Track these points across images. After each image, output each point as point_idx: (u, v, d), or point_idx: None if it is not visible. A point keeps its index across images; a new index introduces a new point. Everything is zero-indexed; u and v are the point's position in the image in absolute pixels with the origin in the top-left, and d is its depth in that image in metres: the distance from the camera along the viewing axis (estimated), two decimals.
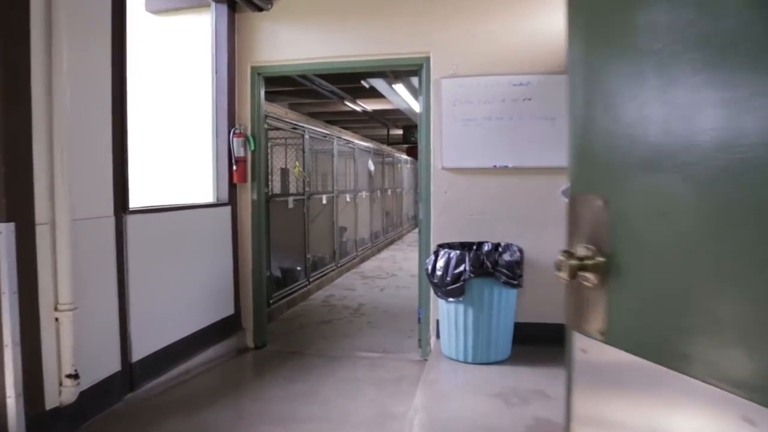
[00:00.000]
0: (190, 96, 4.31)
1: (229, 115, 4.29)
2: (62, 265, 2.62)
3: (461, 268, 3.52)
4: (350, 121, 14.15)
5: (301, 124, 7.10)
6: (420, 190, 4.41)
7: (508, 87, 4.03)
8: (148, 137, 4.20)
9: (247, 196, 4.48)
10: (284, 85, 8.81)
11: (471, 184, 4.09)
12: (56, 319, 2.62)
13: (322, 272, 7.67)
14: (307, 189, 7.23)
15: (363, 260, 9.87)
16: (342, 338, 4.86)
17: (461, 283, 3.51)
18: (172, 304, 3.57)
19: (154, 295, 3.37)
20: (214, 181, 4.31)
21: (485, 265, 3.50)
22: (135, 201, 3.42)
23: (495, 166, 4.04)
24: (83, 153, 2.79)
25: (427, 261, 3.76)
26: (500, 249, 3.84)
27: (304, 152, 7.18)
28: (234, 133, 4.29)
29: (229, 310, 4.32)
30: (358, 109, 11.19)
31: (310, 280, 7.21)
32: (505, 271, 3.52)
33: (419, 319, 4.43)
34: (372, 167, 11.05)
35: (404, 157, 16.35)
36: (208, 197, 4.29)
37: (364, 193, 10.45)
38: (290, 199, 6.65)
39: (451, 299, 3.58)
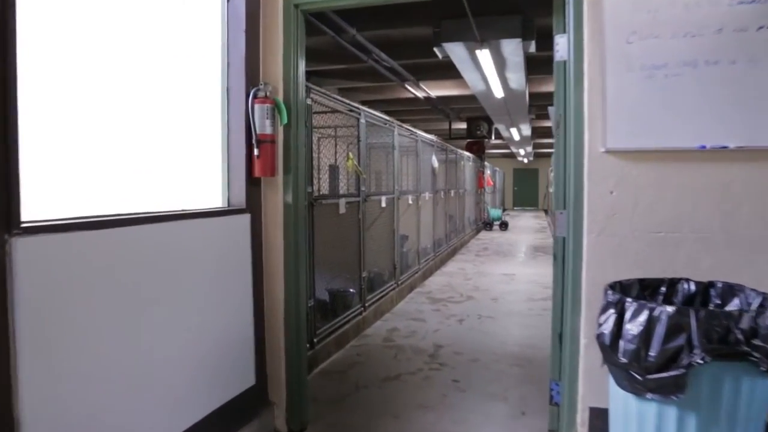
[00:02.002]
0: (187, 43, 2.72)
1: (247, 68, 2.70)
2: None
3: (679, 340, 1.78)
4: (408, 111, 12.51)
5: (357, 106, 5.49)
6: (555, 189, 2.70)
7: (729, 5, 2.27)
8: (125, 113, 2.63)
9: (276, 198, 2.87)
10: (334, 62, 7.23)
11: (658, 178, 2.35)
12: None
13: (380, 293, 6.04)
14: (363, 189, 5.61)
15: (426, 275, 8.19)
16: (419, 413, 3.20)
17: (681, 370, 1.77)
18: (131, 392, 1.97)
19: (86, 380, 1.78)
20: (223, 174, 2.72)
21: (732, 338, 1.75)
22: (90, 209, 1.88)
23: (704, 147, 2.29)
24: None
25: (602, 320, 2.03)
26: (746, 302, 2.06)
27: (359, 141, 5.56)
28: (256, 96, 2.69)
29: (248, 381, 2.72)
30: (419, 95, 9.52)
31: (366, 305, 5.59)
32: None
33: (552, 397, 2.73)
34: (436, 164, 9.36)
35: (466, 153, 14.56)
36: (215, 200, 2.70)
37: (427, 194, 8.78)
38: (342, 201, 5.04)
39: (654, 396, 1.85)
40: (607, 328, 1.99)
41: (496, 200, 22.49)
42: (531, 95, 9.24)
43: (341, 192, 5.61)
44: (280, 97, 2.80)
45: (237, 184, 2.72)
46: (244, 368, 2.68)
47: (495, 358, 4.23)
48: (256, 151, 2.68)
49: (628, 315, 1.93)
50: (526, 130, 14.03)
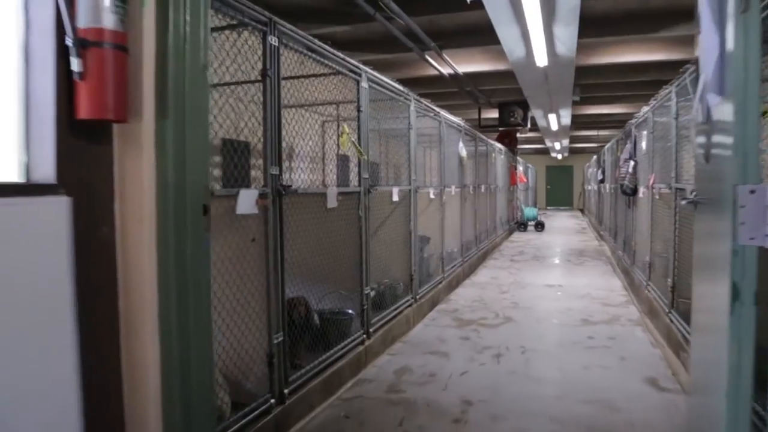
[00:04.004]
0: None
1: None
2: None
3: None
4: (431, 95, 11.00)
5: (356, 64, 4.04)
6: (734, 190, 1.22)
7: None
8: None
9: (142, 170, 1.43)
10: (334, 23, 5.79)
11: None
12: None
13: (392, 313, 4.59)
14: (365, 176, 4.18)
15: (452, 286, 6.70)
16: None
17: None
18: None
19: None
20: (18, 117, 1.29)
21: None
22: None
23: None
24: None
25: None
26: None
27: (360, 111, 4.12)
28: None
29: None
30: (444, 71, 8.02)
31: (371, 330, 4.15)
32: None
33: None
34: (464, 152, 7.86)
35: (498, 145, 12.98)
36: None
37: (453, 189, 7.28)
38: (331, 191, 3.61)
39: None
40: None
41: (529, 199, 20.79)
42: (577, 70, 7.65)
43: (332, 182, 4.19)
44: None
45: (41, 137, 1.30)
46: None
47: (556, 430, 2.75)
48: (75, 64, 1.25)
49: None
50: (566, 118, 12.38)
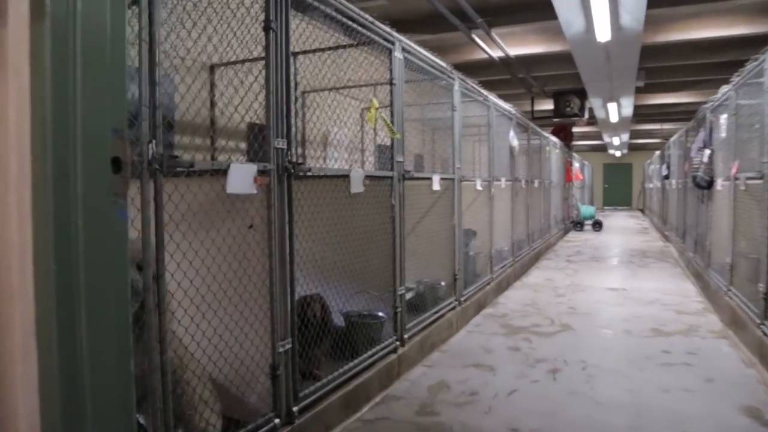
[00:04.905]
0: None
1: None
2: None
3: None
4: (480, 84, 10.34)
5: (387, 30, 3.51)
6: None
7: None
8: None
9: (6, 97, 0.93)
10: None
11: None
12: None
13: (431, 317, 4.04)
14: (399, 160, 3.64)
15: (502, 287, 6.07)
16: None
17: None
18: None
19: None
20: None
21: None
22: None
23: None
24: None
25: None
26: None
27: (393, 85, 3.59)
28: None
29: None
30: (494, 54, 7.38)
31: (405, 336, 3.61)
32: None
33: None
34: (515, 142, 7.19)
35: (552, 138, 12.16)
36: None
37: (503, 182, 6.64)
38: (355, 174, 3.08)
39: None
40: None
41: (585, 197, 19.70)
42: (642, 50, 6.84)
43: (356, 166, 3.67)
44: None
45: None
46: None
47: None
48: None
49: None
50: (628, 108, 11.44)
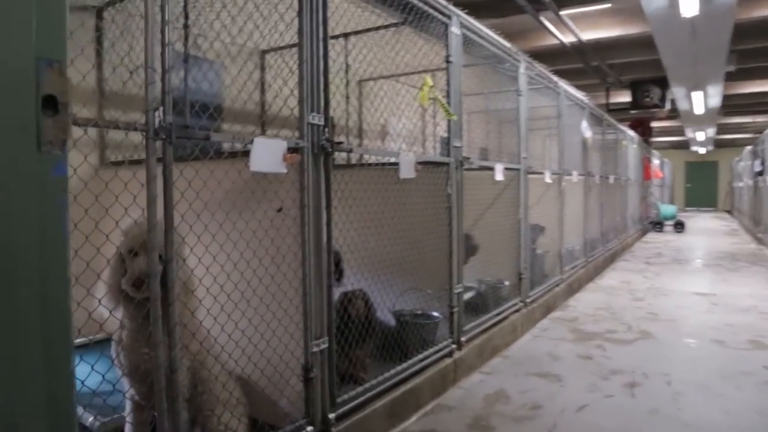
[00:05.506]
0: None
1: None
2: None
3: None
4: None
5: (442, 2, 3.18)
6: None
7: None
8: None
9: None
10: None
11: None
12: None
13: (492, 318, 3.69)
14: (455, 146, 3.31)
15: (573, 289, 5.60)
16: None
17: None
18: None
19: None
20: None
21: None
22: None
23: None
24: None
25: None
26: None
27: (449, 62, 3.27)
28: None
29: None
30: (564, 40, 6.88)
31: (462, 339, 3.29)
32: None
33: None
34: (588, 133, 6.67)
35: (629, 132, 11.37)
36: None
37: (575, 175, 6.14)
38: (406, 158, 2.79)
39: None
40: None
41: (665, 197, 18.46)
42: (736, 27, 6.14)
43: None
44: None
45: None
46: None
47: None
48: None
49: None
50: (715, 97, 10.48)
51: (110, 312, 1.67)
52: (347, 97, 4.68)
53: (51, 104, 0.82)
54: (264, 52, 4.09)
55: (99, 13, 3.00)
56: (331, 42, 2.23)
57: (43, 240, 0.81)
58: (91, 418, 1.99)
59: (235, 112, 3.58)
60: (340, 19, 2.90)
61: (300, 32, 2.08)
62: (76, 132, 1.01)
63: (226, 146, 2.25)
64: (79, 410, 2.01)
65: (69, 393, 0.88)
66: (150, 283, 1.54)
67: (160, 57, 1.53)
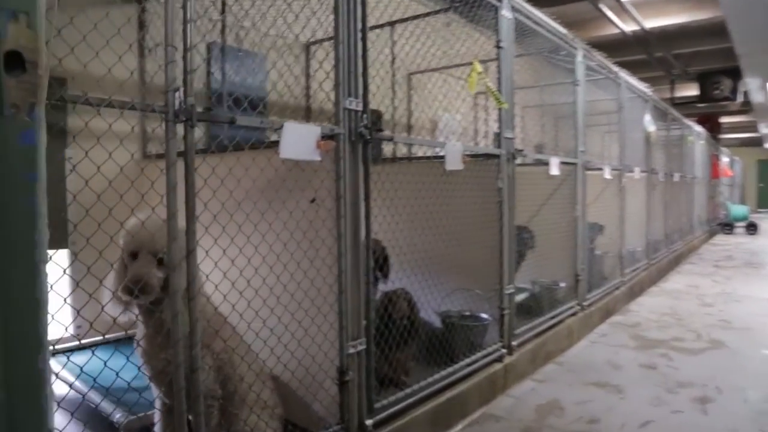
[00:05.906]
0: None
1: None
2: None
3: None
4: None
5: None
6: None
7: None
8: None
9: None
10: None
11: None
12: None
13: (550, 320, 3.47)
14: (507, 137, 3.11)
15: (634, 293, 5.25)
16: None
17: None
18: None
19: None
20: None
21: None
22: None
23: None
24: None
25: None
26: None
27: (500, 48, 3.07)
28: None
29: None
30: (626, 29, 6.49)
31: (513, 343, 3.08)
32: None
33: None
34: (652, 127, 6.27)
35: (696, 127, 10.71)
36: None
37: (637, 172, 5.77)
38: (452, 148, 2.61)
39: None
40: None
41: (735, 197, 17.39)
42: None
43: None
44: None
45: None
46: None
47: None
48: None
49: None
50: None
51: (115, 317, 1.58)
52: (393, 90, 4.53)
53: (16, 62, 0.71)
54: (308, 45, 4.00)
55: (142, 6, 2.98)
56: (376, 32, 2.10)
57: (4, 221, 0.70)
58: (118, 415, 1.92)
59: (281, 104, 3.51)
60: (385, 8, 2.76)
61: (335, 9, 1.94)
62: (123, 126, 0.90)
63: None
64: (109, 407, 1.95)
65: (38, 393, 0.76)
66: (170, 276, 1.44)
67: (182, 34, 1.43)
